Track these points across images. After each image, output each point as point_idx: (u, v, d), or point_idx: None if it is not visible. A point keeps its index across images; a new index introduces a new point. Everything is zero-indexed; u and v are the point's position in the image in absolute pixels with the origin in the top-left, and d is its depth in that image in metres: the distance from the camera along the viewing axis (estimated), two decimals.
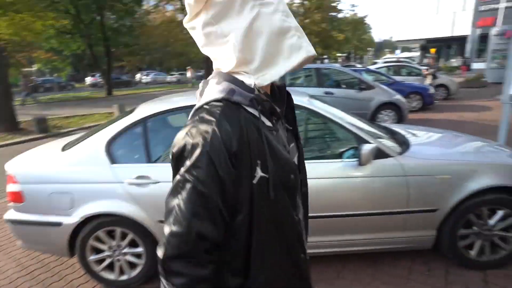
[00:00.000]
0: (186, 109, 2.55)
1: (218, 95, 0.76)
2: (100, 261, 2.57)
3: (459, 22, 45.83)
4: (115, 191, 2.40)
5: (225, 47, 0.76)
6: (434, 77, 12.41)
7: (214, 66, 0.84)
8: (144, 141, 2.51)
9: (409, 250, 2.69)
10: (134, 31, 24.31)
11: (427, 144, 3.04)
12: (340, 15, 25.75)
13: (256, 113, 0.77)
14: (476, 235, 2.57)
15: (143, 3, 23.29)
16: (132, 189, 2.38)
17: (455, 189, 2.42)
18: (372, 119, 8.04)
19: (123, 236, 2.51)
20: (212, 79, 0.82)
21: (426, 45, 48.66)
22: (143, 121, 2.53)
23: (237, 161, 0.72)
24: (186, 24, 0.82)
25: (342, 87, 8.41)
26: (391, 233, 2.51)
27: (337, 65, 9.78)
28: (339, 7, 24.82)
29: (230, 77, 0.78)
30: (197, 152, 0.70)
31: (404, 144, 2.75)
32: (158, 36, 25.38)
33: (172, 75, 38.24)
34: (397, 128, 3.43)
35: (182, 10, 13.79)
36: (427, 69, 12.89)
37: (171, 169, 0.80)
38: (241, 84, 0.77)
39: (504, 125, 3.99)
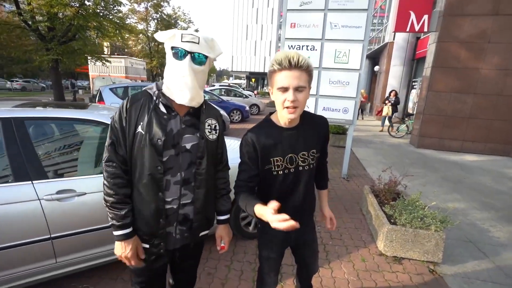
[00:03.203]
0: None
1: (146, 89, 1.17)
2: None
3: (268, 63, 54.24)
4: None
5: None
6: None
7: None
8: None
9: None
10: None
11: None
12: None
13: (157, 102, 1.13)
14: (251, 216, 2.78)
15: None
16: None
17: None
18: None
19: None
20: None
21: (250, 76, 55.13)
22: None
23: (127, 115, 1.10)
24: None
25: None
26: None
27: None
28: None
29: (158, 84, 1.17)
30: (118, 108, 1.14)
31: None
32: None
33: (13, 81, 28.08)
34: None
35: (20, 14, 10.34)
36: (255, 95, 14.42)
37: None
38: (160, 88, 1.15)
39: None
